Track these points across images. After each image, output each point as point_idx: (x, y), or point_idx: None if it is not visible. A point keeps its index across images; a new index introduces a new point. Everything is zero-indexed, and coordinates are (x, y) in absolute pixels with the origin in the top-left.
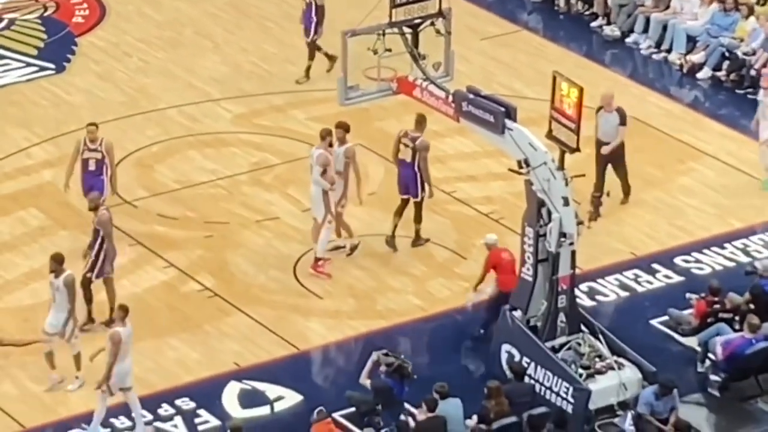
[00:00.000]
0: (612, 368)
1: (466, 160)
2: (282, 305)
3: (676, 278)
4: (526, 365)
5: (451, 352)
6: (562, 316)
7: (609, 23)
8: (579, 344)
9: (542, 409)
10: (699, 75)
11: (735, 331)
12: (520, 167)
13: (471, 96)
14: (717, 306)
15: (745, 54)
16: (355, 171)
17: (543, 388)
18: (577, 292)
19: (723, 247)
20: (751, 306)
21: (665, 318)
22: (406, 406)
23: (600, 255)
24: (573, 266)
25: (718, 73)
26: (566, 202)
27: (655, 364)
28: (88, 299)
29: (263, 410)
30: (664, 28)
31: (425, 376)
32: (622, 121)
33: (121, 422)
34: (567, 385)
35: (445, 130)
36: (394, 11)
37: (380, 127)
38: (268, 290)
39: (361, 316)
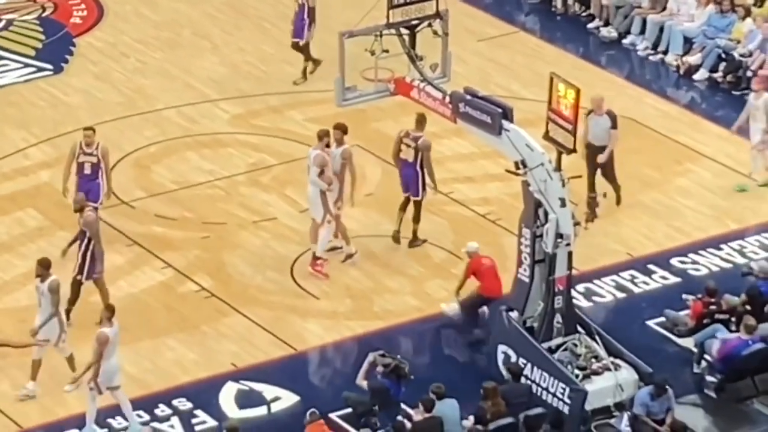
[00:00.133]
0: (608, 369)
1: (463, 162)
2: (279, 306)
3: (673, 279)
4: (522, 366)
5: (448, 353)
6: (558, 317)
7: (606, 25)
8: (575, 345)
9: (539, 410)
10: (696, 76)
11: (731, 332)
12: (517, 168)
13: (468, 97)
14: (713, 307)
15: (741, 55)
16: (351, 173)
17: (539, 389)
18: (573, 293)
19: (719, 249)
20: (748, 307)
21: (662, 319)
22: (403, 406)
23: (597, 256)
24: (570, 267)
25: (715, 75)
26: (563, 203)
27: (652, 365)
28: (72, 300)
29: (260, 411)
30: (661, 29)
31: (422, 376)
32: (614, 125)
33: (118, 422)
34: (563, 386)
35: (442, 132)
36: (391, 12)
37: (377, 128)
38: (265, 291)
39: (358, 316)
